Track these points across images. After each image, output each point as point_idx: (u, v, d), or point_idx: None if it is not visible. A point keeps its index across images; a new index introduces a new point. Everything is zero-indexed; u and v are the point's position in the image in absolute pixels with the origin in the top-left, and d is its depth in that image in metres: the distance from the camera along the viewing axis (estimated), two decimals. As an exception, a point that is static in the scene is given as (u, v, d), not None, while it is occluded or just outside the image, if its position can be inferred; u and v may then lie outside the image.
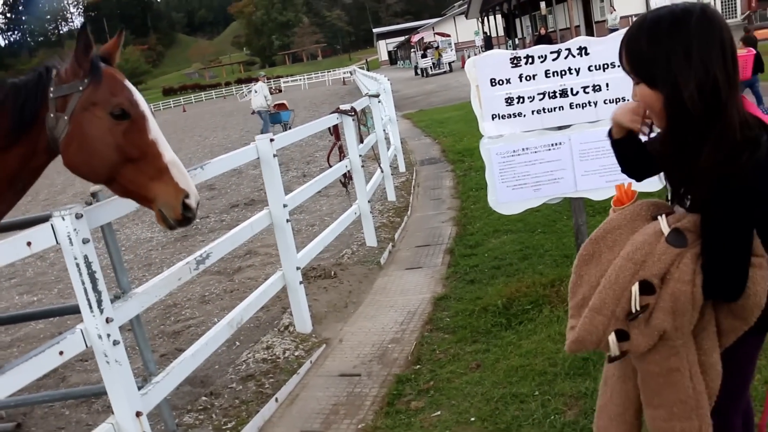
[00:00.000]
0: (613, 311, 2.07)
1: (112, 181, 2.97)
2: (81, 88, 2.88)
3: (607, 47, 4.62)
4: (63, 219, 3.03)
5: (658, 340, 2.07)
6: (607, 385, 2.40)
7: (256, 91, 22.90)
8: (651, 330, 2.05)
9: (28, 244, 2.91)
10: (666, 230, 2.05)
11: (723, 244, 1.95)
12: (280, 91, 72.49)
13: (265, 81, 24.43)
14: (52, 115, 2.90)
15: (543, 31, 27.82)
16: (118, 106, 2.87)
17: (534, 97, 4.76)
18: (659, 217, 2.10)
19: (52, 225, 3.04)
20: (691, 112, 1.90)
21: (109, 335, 3.22)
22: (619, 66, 2.11)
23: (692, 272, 1.98)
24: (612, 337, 2.08)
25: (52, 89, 2.90)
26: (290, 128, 20.41)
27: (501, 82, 4.78)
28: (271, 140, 5.30)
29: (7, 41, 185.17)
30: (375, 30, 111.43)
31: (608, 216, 2.28)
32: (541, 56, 4.73)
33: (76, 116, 2.87)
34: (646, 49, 1.97)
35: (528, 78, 4.76)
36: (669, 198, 2.23)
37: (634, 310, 2.04)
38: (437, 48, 45.29)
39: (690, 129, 1.93)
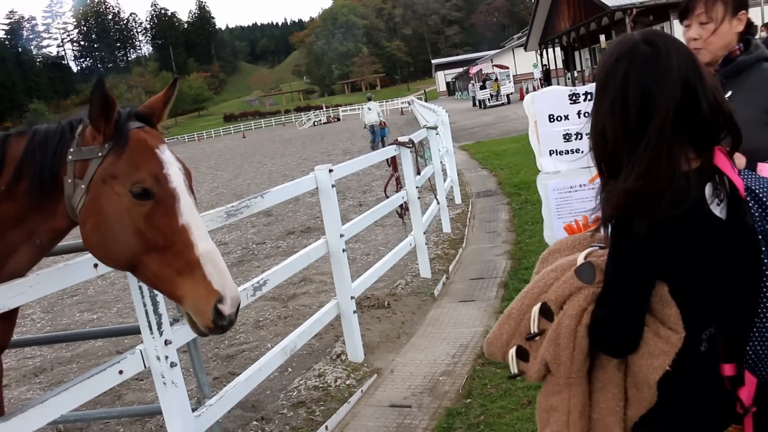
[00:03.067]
0: (518, 322, 2.03)
1: (134, 269, 2.42)
2: (101, 154, 2.35)
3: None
4: (129, 242, 3.12)
5: (546, 371, 1.99)
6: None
7: (369, 109, 25.30)
8: (539, 357, 1.98)
9: (95, 266, 3.02)
10: (580, 261, 1.97)
11: (612, 285, 1.86)
12: (338, 119, 73.72)
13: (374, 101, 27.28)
14: (69, 180, 2.39)
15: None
16: (138, 184, 2.30)
17: (593, 133, 4.74)
18: (590, 248, 2.03)
19: (118, 248, 3.13)
20: None
21: (167, 357, 3.30)
22: None
23: (581, 309, 1.90)
24: (512, 351, 2.03)
25: (71, 150, 2.40)
26: (384, 144, 21.67)
27: (559, 119, 4.77)
28: (330, 171, 5.38)
29: (79, 67, 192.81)
30: (434, 61, 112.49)
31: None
32: (601, 93, 4.71)
33: (93, 187, 2.35)
34: None
35: (587, 114, 4.74)
36: None
37: (532, 331, 1.99)
38: (495, 80, 45.28)
39: None
